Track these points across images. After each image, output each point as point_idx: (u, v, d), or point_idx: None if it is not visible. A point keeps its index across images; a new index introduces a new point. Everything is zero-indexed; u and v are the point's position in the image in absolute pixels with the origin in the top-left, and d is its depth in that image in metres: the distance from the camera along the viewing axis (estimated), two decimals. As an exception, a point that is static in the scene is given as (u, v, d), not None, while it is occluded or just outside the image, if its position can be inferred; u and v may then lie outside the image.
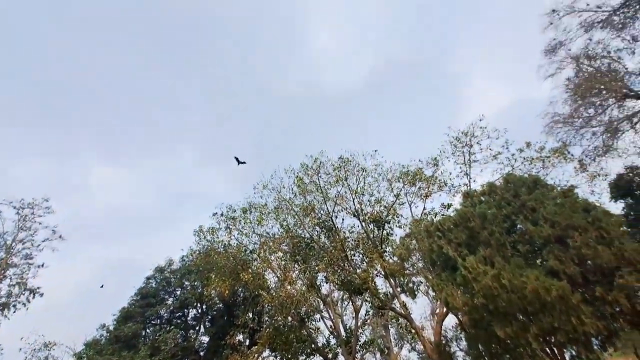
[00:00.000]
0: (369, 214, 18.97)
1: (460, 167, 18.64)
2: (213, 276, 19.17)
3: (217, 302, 25.59)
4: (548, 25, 16.33)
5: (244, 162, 19.44)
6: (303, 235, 19.87)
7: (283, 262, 19.76)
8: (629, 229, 15.10)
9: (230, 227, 20.35)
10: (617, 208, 17.73)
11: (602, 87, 16.18)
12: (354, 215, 18.89)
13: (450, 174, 19.02)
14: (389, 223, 18.88)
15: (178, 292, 26.74)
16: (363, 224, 18.84)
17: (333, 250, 18.00)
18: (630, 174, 17.19)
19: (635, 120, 15.65)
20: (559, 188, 13.13)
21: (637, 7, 14.71)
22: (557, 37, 16.43)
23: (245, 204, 20.79)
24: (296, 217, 19.26)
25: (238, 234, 20.35)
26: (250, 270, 18.89)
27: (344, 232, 19.73)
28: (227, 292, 19.07)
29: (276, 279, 19.68)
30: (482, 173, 18.35)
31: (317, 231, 19.91)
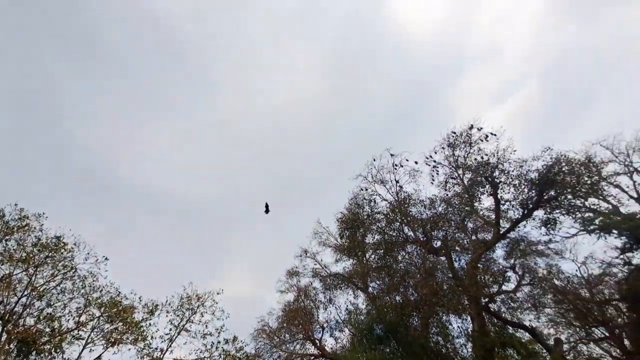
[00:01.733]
0: (22, 328, 13.11)
1: (171, 329, 17.08)
2: None
3: None
4: (298, 256, 21.75)
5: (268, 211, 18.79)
6: None
7: None
8: None
9: None
10: None
11: (300, 322, 20.81)
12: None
13: (157, 330, 16.90)
14: (39, 354, 13.26)
15: None
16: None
17: None
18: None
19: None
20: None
21: (338, 282, 21.93)
22: (298, 268, 21.69)
23: None
24: None
25: None
26: None
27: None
28: None
29: None
30: (185, 346, 17.16)
31: None
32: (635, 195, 20.64)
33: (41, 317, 14.07)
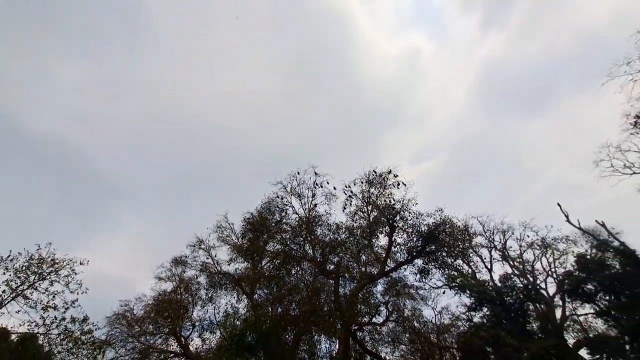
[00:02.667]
0: None
1: (4, 290, 13.91)
2: None
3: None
4: (192, 245, 20.40)
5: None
6: None
7: None
8: None
9: None
10: None
11: (170, 315, 19.22)
12: None
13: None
14: None
15: None
16: None
17: None
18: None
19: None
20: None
21: (226, 282, 21.13)
22: (188, 258, 20.28)
23: None
24: None
25: None
26: None
27: None
28: None
29: None
30: (17, 315, 14.11)
31: None
32: (489, 267, 25.36)
33: None
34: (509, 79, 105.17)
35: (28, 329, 13.77)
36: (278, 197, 19.25)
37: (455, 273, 22.28)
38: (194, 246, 20.51)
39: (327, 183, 18.62)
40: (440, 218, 18.51)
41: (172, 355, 18.48)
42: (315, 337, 18.29)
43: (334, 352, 17.53)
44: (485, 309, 23.60)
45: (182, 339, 18.71)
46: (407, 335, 20.52)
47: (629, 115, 16.97)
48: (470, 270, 24.57)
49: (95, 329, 15.79)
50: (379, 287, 20.51)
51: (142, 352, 17.93)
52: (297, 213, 19.34)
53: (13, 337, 13.81)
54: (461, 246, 19.84)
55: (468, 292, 23.35)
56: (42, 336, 14.29)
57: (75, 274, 15.65)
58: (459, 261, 21.33)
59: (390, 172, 18.46)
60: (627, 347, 22.60)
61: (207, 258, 20.54)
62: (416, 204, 18.68)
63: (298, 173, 18.79)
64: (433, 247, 18.60)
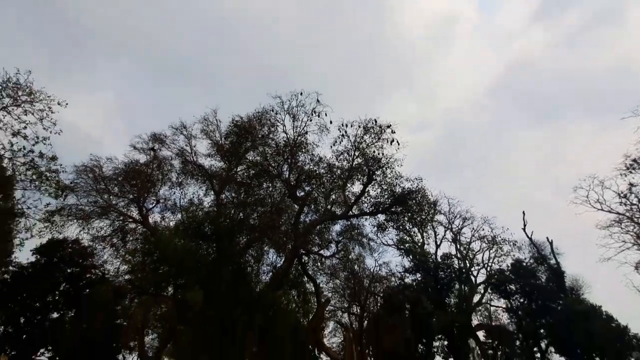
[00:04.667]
0: None
1: None
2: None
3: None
4: (175, 128, 20.10)
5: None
6: None
7: None
8: None
9: None
10: None
11: (138, 184, 19.72)
12: None
13: None
14: None
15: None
16: None
17: None
18: None
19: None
20: None
21: (198, 174, 21.52)
22: (167, 138, 20.10)
23: None
24: None
25: None
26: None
27: None
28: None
29: None
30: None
31: None
32: (438, 243, 27.35)
33: None
34: (529, 83, 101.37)
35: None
36: (273, 110, 18.81)
37: (408, 238, 23.97)
38: (177, 129, 20.21)
39: (326, 115, 18.25)
40: (417, 186, 19.13)
41: (130, 220, 19.42)
42: (265, 247, 19.75)
43: (278, 265, 19.21)
44: (418, 275, 26.16)
45: (144, 209, 19.52)
46: (345, 273, 22.64)
47: (628, 157, 17.07)
48: (421, 240, 26.52)
49: (62, 171, 15.95)
50: (337, 227, 21.82)
51: (103, 208, 18.66)
52: (286, 132, 19.20)
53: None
54: (423, 217, 20.98)
55: (411, 257, 25.49)
56: (7, 160, 14.32)
57: (52, 112, 15.15)
58: (415, 229, 22.77)
59: (389, 126, 18.23)
60: (518, 343, 26.45)
61: (186, 145, 20.47)
62: (401, 165, 18.94)
63: (301, 94, 18.15)
64: (399, 209, 19.53)
